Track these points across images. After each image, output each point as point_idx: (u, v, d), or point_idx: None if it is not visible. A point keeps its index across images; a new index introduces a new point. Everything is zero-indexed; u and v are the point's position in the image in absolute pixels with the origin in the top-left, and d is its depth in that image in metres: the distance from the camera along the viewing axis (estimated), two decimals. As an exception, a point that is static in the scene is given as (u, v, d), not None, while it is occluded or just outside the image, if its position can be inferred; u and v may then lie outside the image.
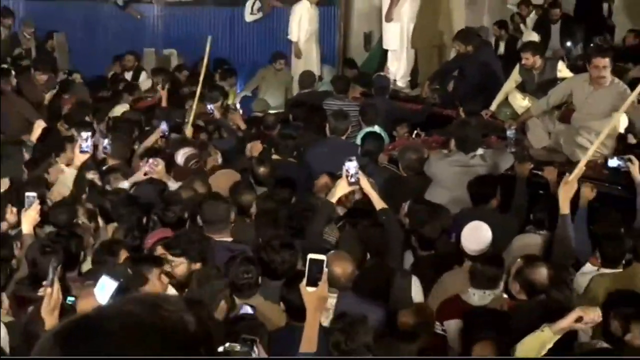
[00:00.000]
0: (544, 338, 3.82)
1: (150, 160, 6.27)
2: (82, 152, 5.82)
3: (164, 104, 9.18)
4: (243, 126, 8.56)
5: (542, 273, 4.63)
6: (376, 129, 8.09)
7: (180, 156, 6.88)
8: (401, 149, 7.24)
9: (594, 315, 3.80)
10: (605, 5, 12.54)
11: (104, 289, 3.64)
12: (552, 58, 9.25)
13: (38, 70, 9.59)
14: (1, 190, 5.81)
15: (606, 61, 7.25)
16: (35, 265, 4.53)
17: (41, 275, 4.34)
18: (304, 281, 3.55)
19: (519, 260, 4.81)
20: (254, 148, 7.52)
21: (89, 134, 6.00)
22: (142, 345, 1.16)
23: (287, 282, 4.17)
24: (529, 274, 4.63)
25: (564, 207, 5.43)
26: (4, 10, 11.90)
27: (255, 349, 3.50)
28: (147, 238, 5.17)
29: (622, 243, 5.40)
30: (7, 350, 3.97)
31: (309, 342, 3.58)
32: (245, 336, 3.68)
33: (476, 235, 5.20)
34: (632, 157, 6.63)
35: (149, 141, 7.56)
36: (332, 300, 4.19)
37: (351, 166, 5.00)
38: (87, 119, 8.26)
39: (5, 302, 4.35)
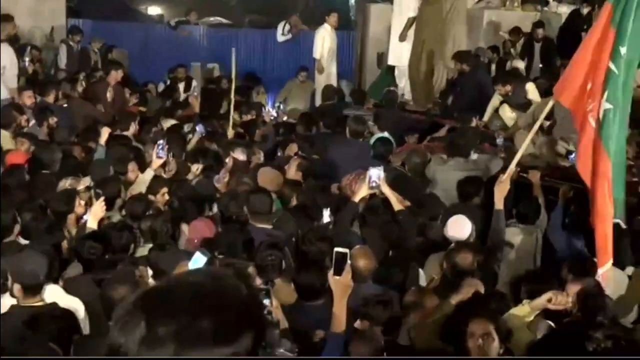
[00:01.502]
0: (523, 311, 3.90)
1: (221, 174, 6.33)
2: (158, 157, 5.96)
3: (196, 110, 9.26)
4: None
5: (467, 258, 4.56)
6: (385, 134, 8.17)
7: (241, 153, 6.99)
8: (408, 153, 7.27)
9: (562, 299, 3.86)
10: (584, 35, 12.53)
11: (197, 262, 3.77)
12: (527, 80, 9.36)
13: (113, 69, 9.34)
14: (80, 188, 5.67)
15: None
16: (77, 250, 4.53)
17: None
18: (331, 271, 3.58)
19: (452, 244, 4.81)
20: (291, 148, 7.58)
21: (164, 141, 6.09)
22: (208, 307, 1.22)
23: (297, 267, 4.22)
24: (456, 257, 4.60)
25: (499, 204, 5.29)
26: (74, 29, 12.03)
27: (269, 298, 3.60)
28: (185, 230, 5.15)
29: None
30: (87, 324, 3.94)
31: (338, 323, 3.59)
32: (260, 287, 3.74)
33: (459, 226, 5.23)
34: None
35: (193, 142, 7.63)
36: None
37: (374, 173, 4.96)
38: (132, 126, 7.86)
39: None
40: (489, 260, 5.00)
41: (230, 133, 8.07)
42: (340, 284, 3.56)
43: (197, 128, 7.88)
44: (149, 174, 5.99)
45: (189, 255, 4.07)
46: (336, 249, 3.63)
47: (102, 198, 5.02)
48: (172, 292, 1.25)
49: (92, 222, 4.95)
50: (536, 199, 6.27)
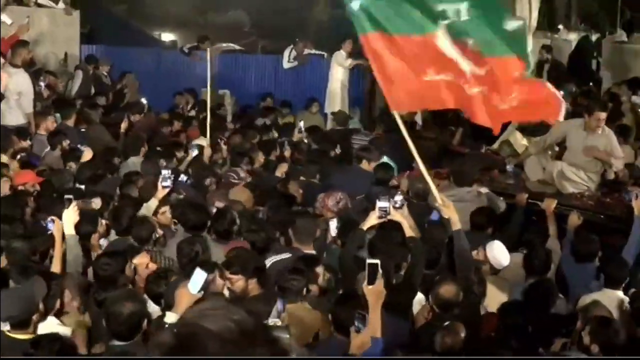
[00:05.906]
0: None
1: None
2: (164, 187, 5.99)
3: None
4: None
5: (450, 290, 4.40)
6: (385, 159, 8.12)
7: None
8: (412, 179, 7.15)
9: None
10: (594, 61, 12.54)
11: (198, 279, 3.83)
12: None
13: (132, 112, 9.95)
14: (95, 207, 5.76)
15: (605, 115, 7.29)
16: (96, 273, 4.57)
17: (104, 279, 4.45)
18: (365, 281, 3.80)
19: (437, 278, 4.64)
20: (281, 168, 7.80)
21: (170, 171, 6.15)
22: (237, 348, 1.32)
23: (338, 299, 4.24)
24: (439, 289, 4.42)
25: (457, 224, 4.87)
26: (90, 58, 11.93)
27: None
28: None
29: (626, 265, 5.27)
30: None
31: (376, 329, 3.79)
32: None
33: (504, 252, 5.18)
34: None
35: (186, 162, 7.87)
36: None
37: (382, 203, 4.88)
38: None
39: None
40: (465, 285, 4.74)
41: (207, 152, 8.17)
42: (374, 292, 3.80)
43: (191, 149, 8.11)
44: (153, 203, 5.99)
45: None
46: (368, 260, 3.89)
47: (74, 202, 4.96)
48: (203, 349, 1.30)
49: (68, 228, 4.86)
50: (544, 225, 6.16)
